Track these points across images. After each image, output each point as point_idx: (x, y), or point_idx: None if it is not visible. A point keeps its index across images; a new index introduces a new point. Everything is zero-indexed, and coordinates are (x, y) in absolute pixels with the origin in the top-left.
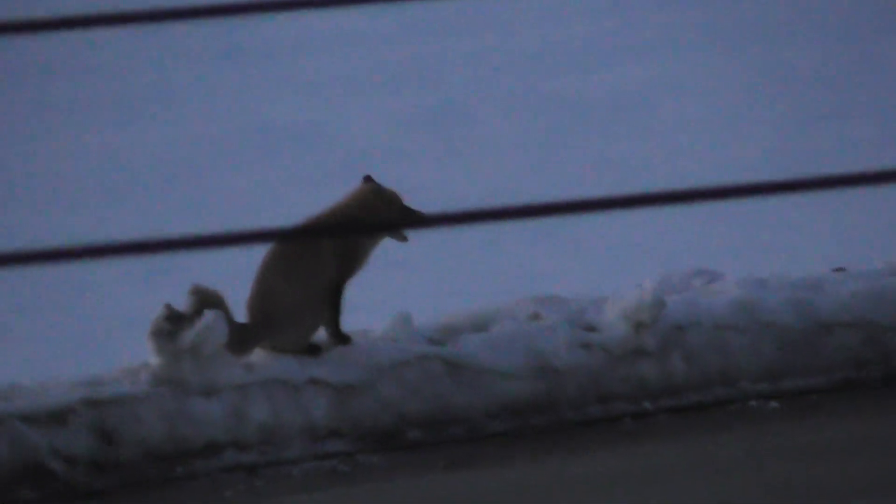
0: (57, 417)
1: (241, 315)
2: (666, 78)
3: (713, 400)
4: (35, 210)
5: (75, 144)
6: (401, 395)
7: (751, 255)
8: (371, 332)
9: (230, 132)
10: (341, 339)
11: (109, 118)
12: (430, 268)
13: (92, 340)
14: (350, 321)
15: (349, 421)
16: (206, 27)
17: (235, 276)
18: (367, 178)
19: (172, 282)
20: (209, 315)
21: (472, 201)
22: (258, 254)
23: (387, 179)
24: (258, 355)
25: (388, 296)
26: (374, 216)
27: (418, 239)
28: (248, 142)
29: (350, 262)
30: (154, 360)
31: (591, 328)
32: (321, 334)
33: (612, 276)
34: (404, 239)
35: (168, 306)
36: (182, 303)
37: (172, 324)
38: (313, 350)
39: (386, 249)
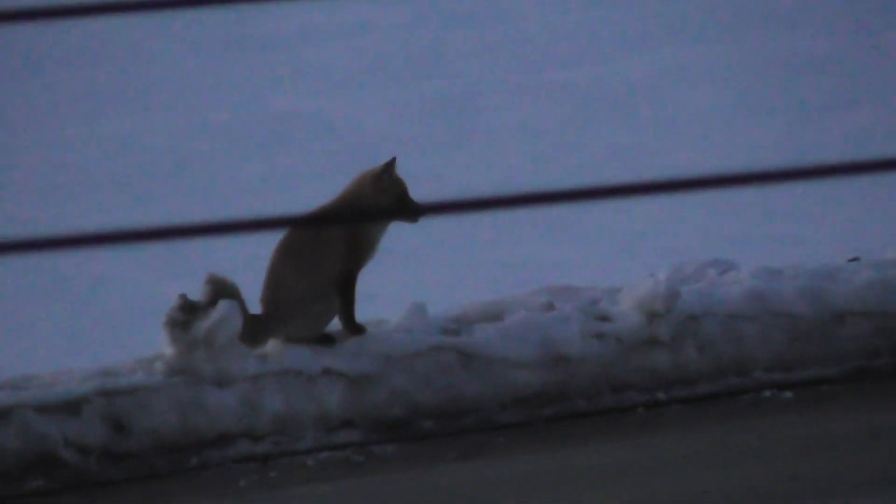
0: (70, 407)
1: (255, 306)
2: (674, 67)
3: (726, 390)
4: (47, 198)
5: (88, 133)
6: (414, 385)
7: (765, 246)
8: (385, 322)
9: (240, 121)
10: (355, 329)
11: (121, 107)
12: (445, 259)
13: (106, 330)
14: (365, 311)
15: (363, 411)
16: (216, 17)
17: (249, 266)
18: (391, 162)
19: (186, 272)
20: (223, 305)
21: (482, 190)
22: (271, 243)
23: (399, 168)
24: (272, 346)
25: (403, 286)
26: (376, 203)
27: (432, 229)
28: (258, 131)
29: (359, 251)
30: (168, 350)
31: (605, 318)
32: (335, 324)
33: (625, 266)
34: (415, 220)
35: (182, 296)
36: (196, 292)
37: (187, 314)
38: (327, 340)
39: (400, 240)
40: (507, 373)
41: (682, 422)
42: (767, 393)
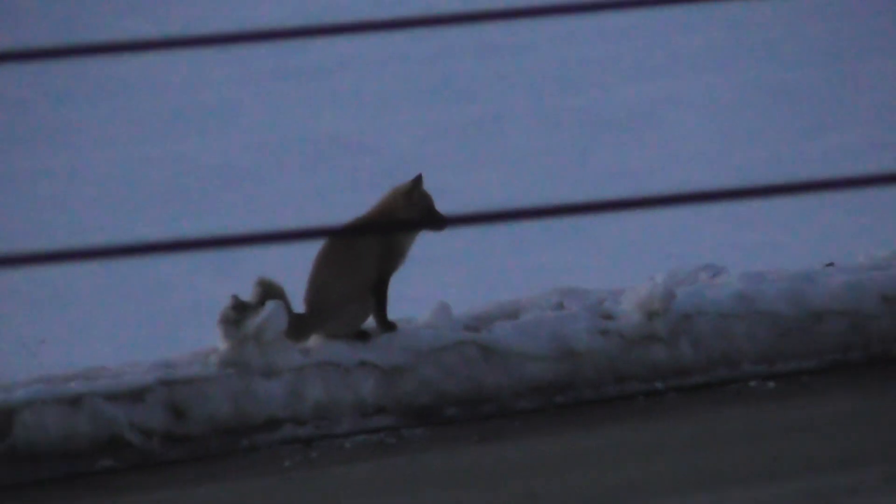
0: (135, 395)
1: (299, 305)
2: (673, 94)
3: (717, 380)
4: (115, 210)
5: (150, 152)
6: (440, 376)
7: (750, 252)
8: (414, 320)
9: (285, 141)
10: (387, 326)
11: (180, 129)
12: (466, 264)
13: (167, 328)
14: (395, 311)
15: (394, 399)
16: (265, 49)
17: (295, 270)
18: (418, 178)
19: (238, 275)
20: (270, 305)
21: (500, 203)
22: (313, 250)
23: (425, 183)
24: (314, 341)
25: (429, 289)
26: (406, 215)
27: (455, 238)
28: (301, 150)
29: (391, 257)
30: (222, 345)
31: (609, 316)
32: (370, 322)
33: (627, 271)
34: (440, 228)
35: (234, 297)
36: (247, 293)
37: (238, 313)
38: (363, 336)
39: (427, 248)
40: (523, 365)
41: (679, 408)
42: (753, 383)
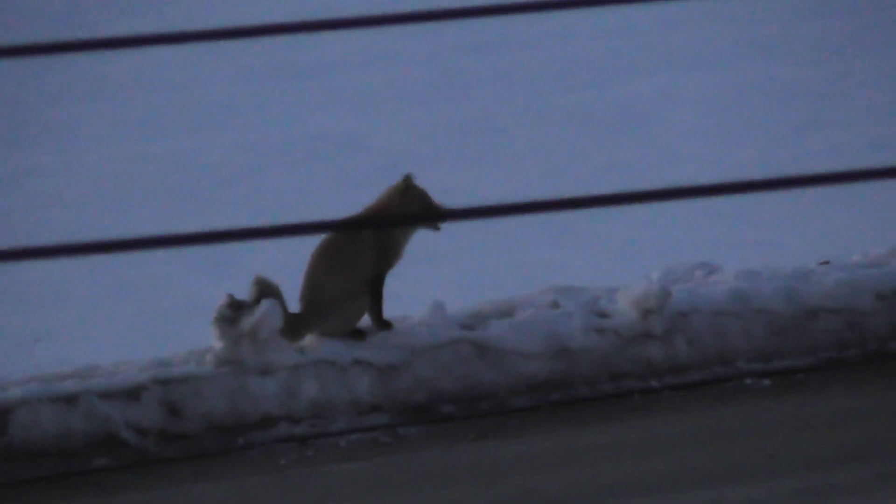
0: (130, 394)
1: (294, 304)
2: (668, 92)
3: (712, 378)
4: (111, 207)
5: (147, 150)
6: (435, 374)
7: (746, 250)
8: (409, 318)
9: (282, 139)
10: (383, 324)
11: (177, 127)
12: (462, 262)
13: (162, 326)
14: (391, 309)
15: (390, 397)
16: (262, 46)
17: (291, 269)
18: (408, 176)
19: (233, 274)
20: (266, 304)
21: (497, 201)
22: (309, 248)
23: (420, 181)
24: (309, 339)
25: (424, 287)
26: (404, 212)
27: (451, 236)
28: (297, 148)
29: (387, 255)
30: (217, 343)
31: (604, 314)
32: (366, 320)
33: (621, 269)
34: (437, 228)
35: (230, 296)
36: (243, 292)
37: (234, 311)
38: (358, 334)
39: (422, 246)
40: (518, 363)
41: (674, 406)
42: (748, 381)
